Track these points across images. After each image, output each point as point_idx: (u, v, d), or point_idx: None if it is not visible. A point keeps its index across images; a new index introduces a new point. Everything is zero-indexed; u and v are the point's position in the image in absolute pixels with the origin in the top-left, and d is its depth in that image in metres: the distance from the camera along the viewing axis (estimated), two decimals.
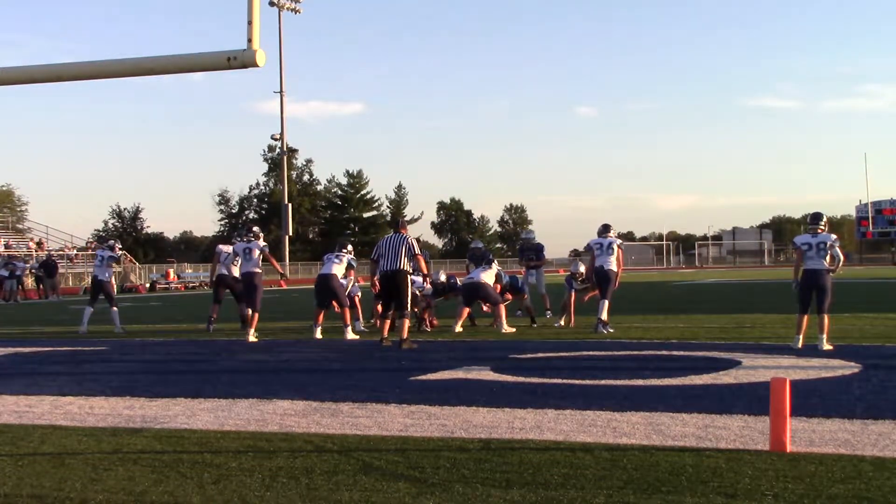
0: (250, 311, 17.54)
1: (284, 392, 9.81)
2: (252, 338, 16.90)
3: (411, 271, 15.49)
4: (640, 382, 10.05)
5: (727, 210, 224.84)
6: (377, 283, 15.70)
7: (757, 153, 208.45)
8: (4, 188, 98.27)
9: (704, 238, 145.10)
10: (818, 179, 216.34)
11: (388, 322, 15.79)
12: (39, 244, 63.41)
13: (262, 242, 17.85)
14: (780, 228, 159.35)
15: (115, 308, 20.19)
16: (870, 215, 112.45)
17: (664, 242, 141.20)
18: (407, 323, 15.17)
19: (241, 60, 5.89)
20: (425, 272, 16.78)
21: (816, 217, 13.89)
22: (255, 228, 18.44)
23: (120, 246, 21.84)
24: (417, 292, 17.99)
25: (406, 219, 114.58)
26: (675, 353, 13.12)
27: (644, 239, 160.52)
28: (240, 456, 6.64)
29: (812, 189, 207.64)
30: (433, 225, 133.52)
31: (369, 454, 6.60)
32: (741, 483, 5.54)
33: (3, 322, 26.02)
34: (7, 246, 60.19)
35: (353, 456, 6.55)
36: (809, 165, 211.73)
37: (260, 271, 17.77)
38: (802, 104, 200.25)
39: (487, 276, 18.12)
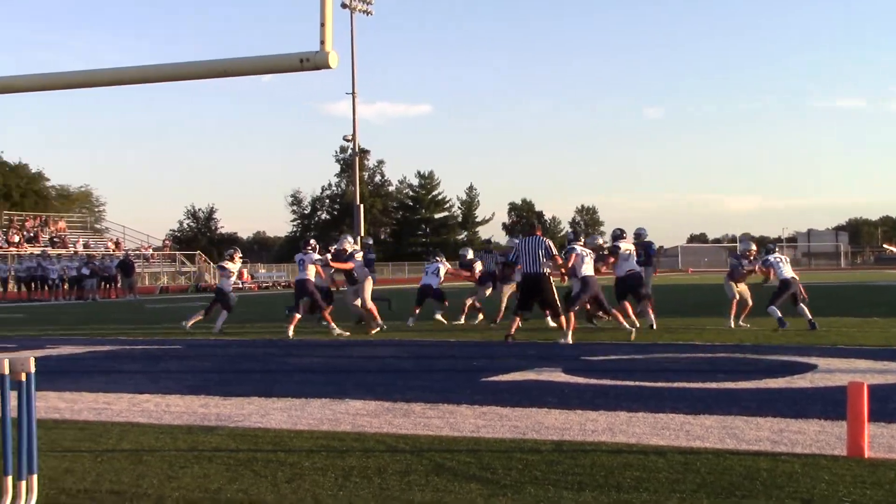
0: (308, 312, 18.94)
1: (356, 392, 9.87)
2: (336, 334, 18.05)
3: (549, 272, 16.17)
4: (713, 385, 9.95)
5: (802, 211, 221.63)
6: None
7: (832, 154, 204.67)
8: (83, 189, 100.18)
9: (778, 240, 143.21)
10: None
11: (518, 320, 16.29)
12: (117, 244, 64.45)
13: (315, 256, 19.02)
14: (857, 230, 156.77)
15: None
16: None
17: (737, 244, 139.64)
18: (563, 321, 15.87)
19: (313, 62, 5.91)
20: (564, 272, 17.41)
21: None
22: (312, 242, 19.82)
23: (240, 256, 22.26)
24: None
25: (477, 219, 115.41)
26: (749, 356, 12.98)
27: (717, 241, 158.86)
28: (313, 455, 6.69)
29: (890, 189, 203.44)
30: (504, 226, 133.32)
31: (441, 455, 6.61)
32: (817, 488, 5.46)
33: (83, 321, 26.49)
34: (86, 246, 61.30)
35: (426, 456, 6.56)
36: (887, 166, 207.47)
37: (309, 278, 18.61)
38: (874, 104, 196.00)
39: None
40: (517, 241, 20.44)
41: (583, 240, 16.96)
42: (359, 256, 19.36)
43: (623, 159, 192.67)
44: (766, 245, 18.21)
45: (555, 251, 16.20)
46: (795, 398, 8.98)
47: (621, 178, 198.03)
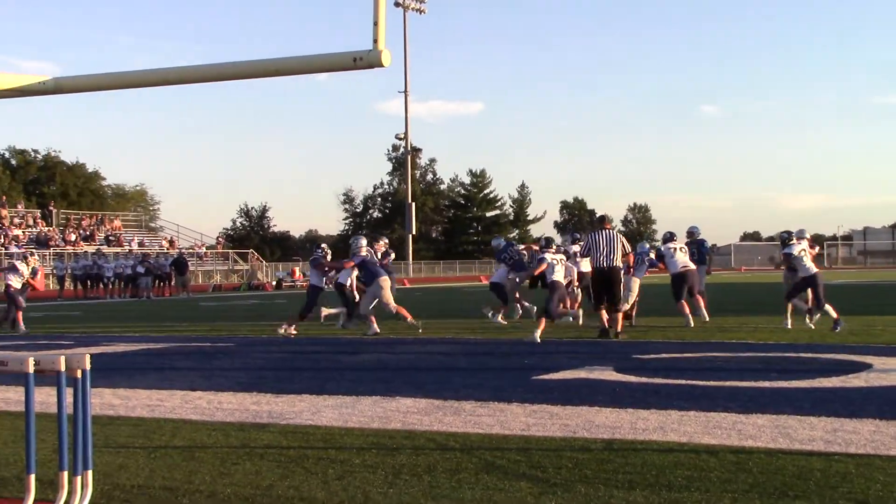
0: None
1: (406, 390, 9.89)
2: (282, 332, 18.27)
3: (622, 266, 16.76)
4: (766, 384, 9.86)
5: (858, 209, 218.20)
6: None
7: (888, 151, 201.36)
8: (138, 188, 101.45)
9: (834, 238, 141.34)
10: None
11: (604, 313, 16.55)
12: (171, 242, 65.11)
13: (314, 256, 20.07)
14: None
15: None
16: None
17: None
18: (622, 317, 16.38)
19: (366, 61, 5.94)
20: (630, 264, 18.37)
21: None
22: (323, 245, 20.91)
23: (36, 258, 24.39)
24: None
25: (529, 218, 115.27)
26: (802, 355, 12.84)
27: (771, 239, 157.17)
28: (363, 452, 6.72)
29: None
30: (556, 224, 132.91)
31: (491, 453, 6.61)
32: (872, 489, 5.40)
33: (137, 318, 26.80)
34: (141, 244, 62.00)
35: (476, 454, 6.57)
36: None
37: (315, 283, 19.86)
38: None
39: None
40: (576, 235, 20.53)
41: (554, 247, 17.60)
42: (364, 251, 18.83)
43: (676, 157, 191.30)
44: (780, 235, 18.64)
45: (629, 248, 17.03)
46: (850, 397, 8.87)
47: (673, 176, 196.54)
